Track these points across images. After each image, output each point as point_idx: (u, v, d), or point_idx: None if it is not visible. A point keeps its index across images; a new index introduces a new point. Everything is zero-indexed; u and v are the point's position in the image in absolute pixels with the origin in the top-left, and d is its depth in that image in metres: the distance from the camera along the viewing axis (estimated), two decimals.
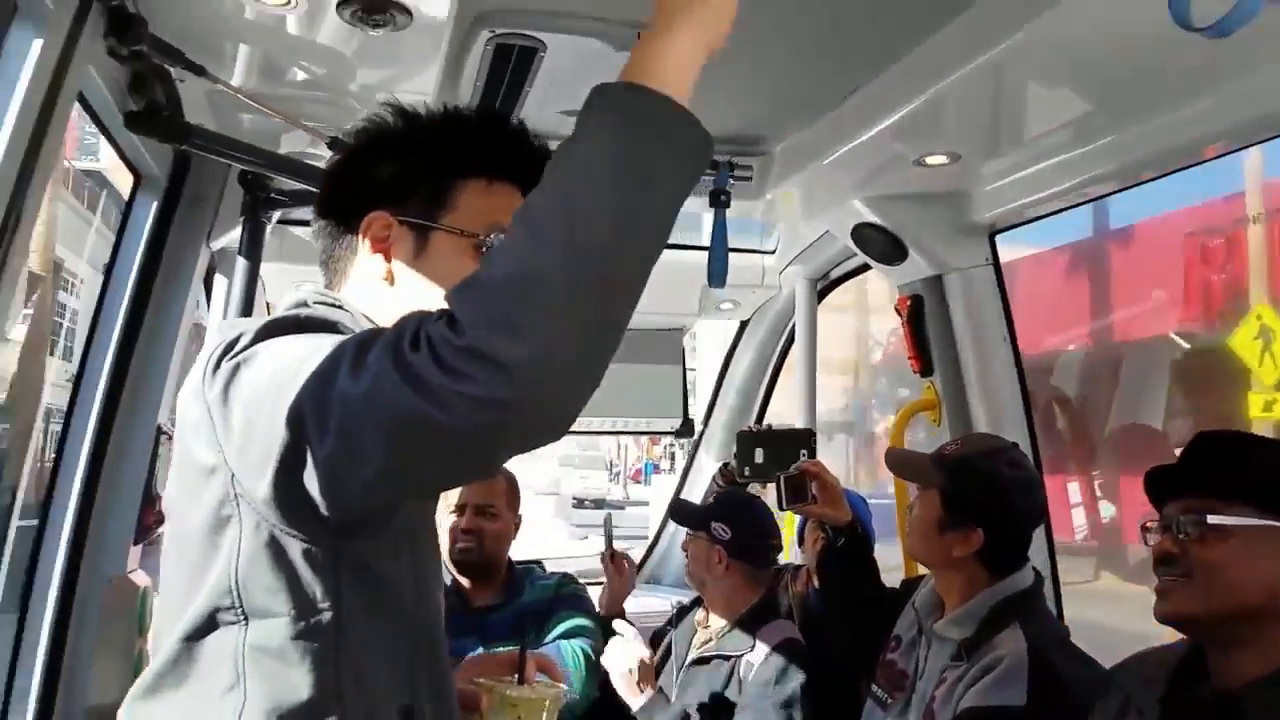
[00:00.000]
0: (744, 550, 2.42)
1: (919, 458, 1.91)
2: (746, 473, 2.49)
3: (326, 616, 0.95)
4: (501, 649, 2.12)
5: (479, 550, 2.48)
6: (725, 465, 2.82)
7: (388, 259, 1.08)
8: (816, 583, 2.21)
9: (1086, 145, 1.90)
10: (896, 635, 1.91)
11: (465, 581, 2.51)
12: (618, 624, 2.46)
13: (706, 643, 2.47)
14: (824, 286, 3.19)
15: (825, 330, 3.28)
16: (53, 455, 2.02)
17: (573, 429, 2.84)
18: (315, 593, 0.94)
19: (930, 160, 2.02)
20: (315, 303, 1.07)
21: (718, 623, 2.47)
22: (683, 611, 2.69)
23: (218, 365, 0.93)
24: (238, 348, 0.93)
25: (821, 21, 1.63)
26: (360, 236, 1.09)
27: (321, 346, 0.85)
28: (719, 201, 2.24)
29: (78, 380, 1.93)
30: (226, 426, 0.90)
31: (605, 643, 2.47)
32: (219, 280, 2.34)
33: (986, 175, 2.14)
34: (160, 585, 1.02)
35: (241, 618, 0.94)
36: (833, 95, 1.91)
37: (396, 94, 1.72)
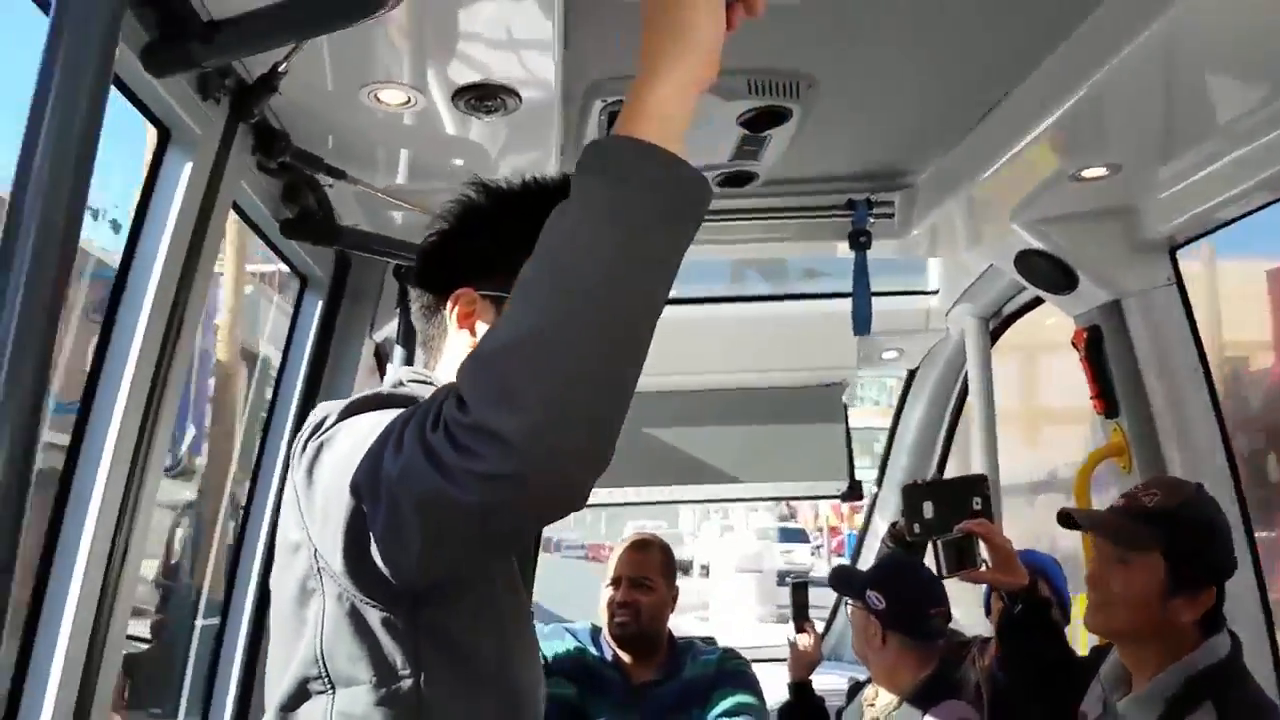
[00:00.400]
0: (900, 620, 2.23)
1: (1114, 517, 1.69)
2: (916, 530, 2.31)
3: (407, 684, 0.97)
4: None
5: (636, 623, 2.47)
6: (894, 525, 2.64)
7: (473, 333, 1.10)
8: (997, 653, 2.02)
9: (1270, 134, 1.68)
10: (1083, 712, 1.70)
11: (626, 657, 2.50)
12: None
13: None
14: (997, 325, 2.99)
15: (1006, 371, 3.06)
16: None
17: (729, 496, 2.77)
18: (395, 660, 0.96)
19: (1088, 174, 1.86)
20: (409, 380, 1.12)
21: (884, 699, 2.31)
22: (855, 689, 2.54)
23: (305, 446, 0.98)
24: (322, 429, 0.98)
25: (948, 37, 1.56)
26: (449, 313, 1.11)
27: (385, 424, 0.86)
28: (858, 243, 2.17)
29: (256, 467, 2.08)
30: (309, 504, 0.95)
31: None
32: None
33: (1158, 183, 1.93)
34: (267, 659, 1.07)
35: (328, 686, 0.97)
36: (970, 114, 1.82)
37: (526, 172, 1.79)
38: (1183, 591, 1.54)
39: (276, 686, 1.01)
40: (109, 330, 1.28)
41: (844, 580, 2.50)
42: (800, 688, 2.60)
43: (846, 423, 3.40)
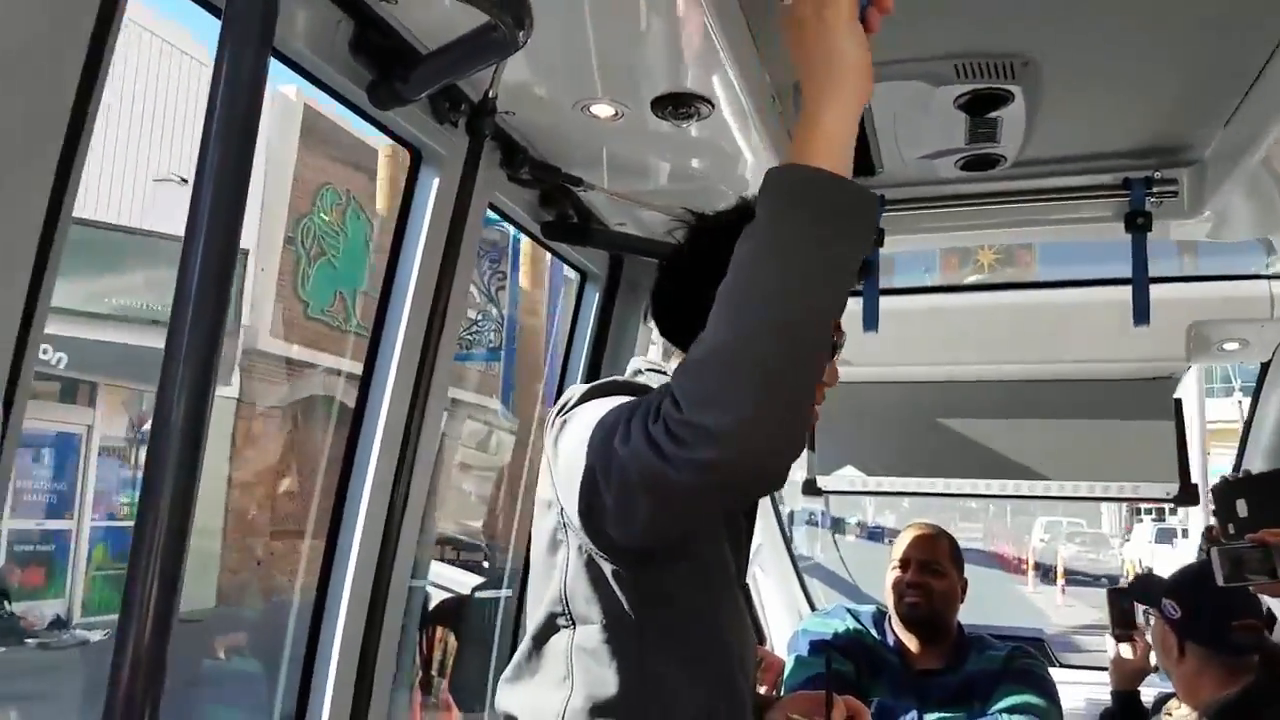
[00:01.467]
0: (1197, 631, 2.04)
1: None
2: (1231, 531, 2.07)
3: (630, 628, 1.16)
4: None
5: (927, 606, 2.47)
6: (1209, 528, 2.35)
7: None
8: None
9: None
10: None
11: (909, 642, 2.50)
12: None
13: None
14: None
15: None
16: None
17: (1034, 494, 2.69)
18: (621, 606, 1.16)
19: None
20: (645, 369, 1.36)
21: (1182, 713, 2.10)
22: (1163, 700, 2.31)
23: (554, 421, 1.21)
24: (569, 406, 1.20)
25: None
26: None
27: (619, 409, 1.05)
28: (1135, 225, 1.98)
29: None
30: (556, 469, 1.17)
31: None
32: None
33: None
34: (530, 589, 1.30)
35: (570, 623, 1.19)
36: (1241, 79, 1.59)
37: (745, 171, 1.90)
38: None
39: (531, 618, 1.25)
40: (379, 333, 1.61)
41: (1144, 589, 2.30)
42: (1124, 698, 2.43)
43: (1180, 419, 3.03)
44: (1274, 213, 2.01)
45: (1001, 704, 2.27)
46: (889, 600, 2.53)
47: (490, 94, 1.51)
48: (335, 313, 11.34)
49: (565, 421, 1.16)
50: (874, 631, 2.54)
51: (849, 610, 2.63)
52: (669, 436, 0.90)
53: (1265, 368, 2.99)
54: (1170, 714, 2.17)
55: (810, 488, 3.28)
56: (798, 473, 3.45)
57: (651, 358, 1.37)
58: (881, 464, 3.18)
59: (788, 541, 3.87)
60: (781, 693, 2.43)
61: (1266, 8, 1.43)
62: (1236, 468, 3.22)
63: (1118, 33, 1.50)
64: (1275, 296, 2.65)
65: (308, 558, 9.27)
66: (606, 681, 1.15)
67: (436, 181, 1.61)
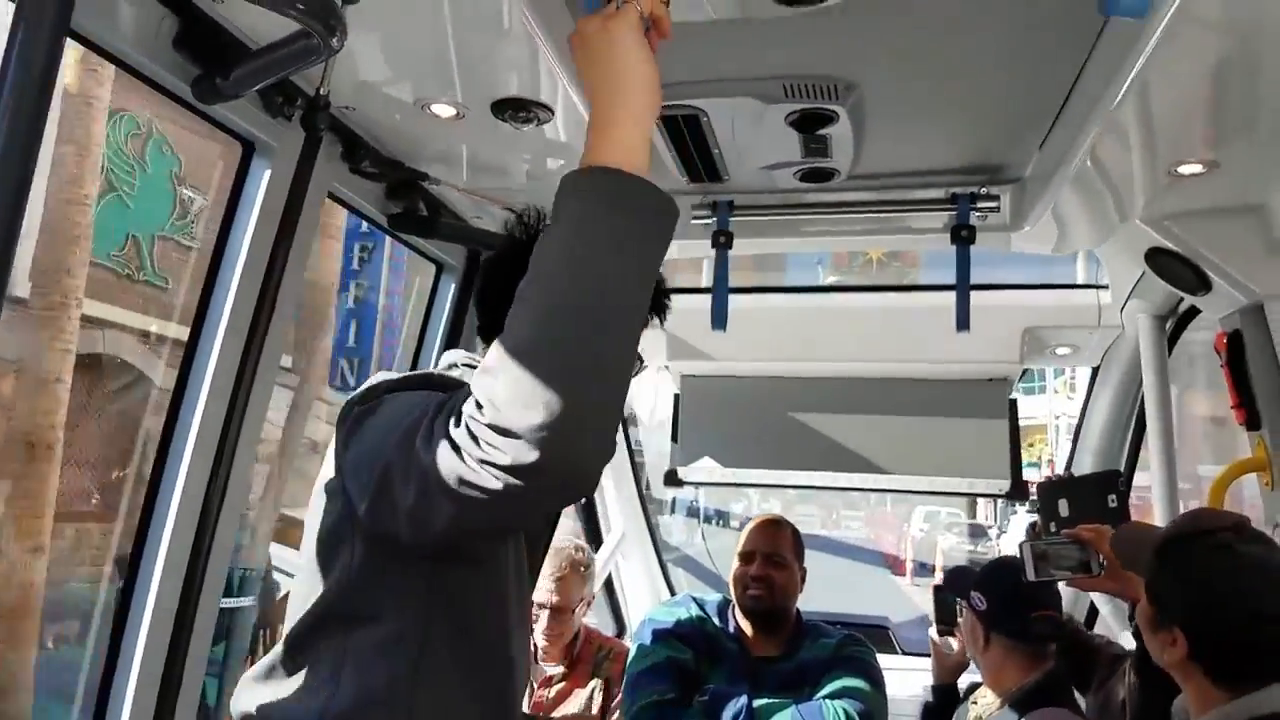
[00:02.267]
0: (1001, 621, 2.18)
1: (1144, 538, 1.59)
2: (1052, 529, 2.24)
3: (412, 634, 1.12)
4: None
5: (770, 598, 2.56)
6: (1033, 524, 2.52)
7: None
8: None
9: None
10: None
11: (749, 629, 2.59)
12: None
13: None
14: (1175, 323, 2.72)
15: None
16: None
17: (881, 487, 2.79)
18: (406, 607, 1.12)
19: (1184, 170, 1.69)
20: (461, 363, 1.30)
21: (988, 699, 2.26)
22: (972, 689, 2.46)
23: (350, 409, 1.15)
24: (371, 395, 1.15)
25: (996, 32, 1.49)
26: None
27: (424, 406, 1.02)
28: (960, 238, 2.09)
29: None
30: (348, 461, 1.12)
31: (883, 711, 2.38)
32: None
33: None
34: (293, 585, 1.25)
35: (346, 621, 1.13)
36: (1047, 107, 1.71)
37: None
38: (1161, 629, 1.49)
39: (296, 614, 1.17)
40: (200, 321, 1.58)
41: (956, 582, 2.44)
42: (943, 690, 2.58)
43: (1014, 420, 3.22)
44: (1095, 229, 2.16)
45: (827, 689, 2.39)
46: (733, 592, 2.63)
47: (321, 91, 1.50)
48: (125, 258, 9.82)
49: (364, 413, 1.11)
50: (716, 619, 2.63)
51: (695, 599, 2.72)
52: (472, 439, 0.88)
53: (1095, 372, 3.22)
54: (976, 702, 2.32)
55: (671, 478, 3.35)
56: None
57: (470, 352, 1.35)
58: (739, 456, 3.28)
59: (652, 531, 3.95)
60: (623, 681, 2.51)
61: (1062, 41, 1.54)
62: (1067, 468, 3.46)
63: (932, 61, 1.59)
64: (1103, 306, 2.85)
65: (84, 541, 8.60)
66: (376, 686, 1.10)
67: (268, 173, 1.59)
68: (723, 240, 2.17)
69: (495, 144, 1.80)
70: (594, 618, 3.57)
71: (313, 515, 1.19)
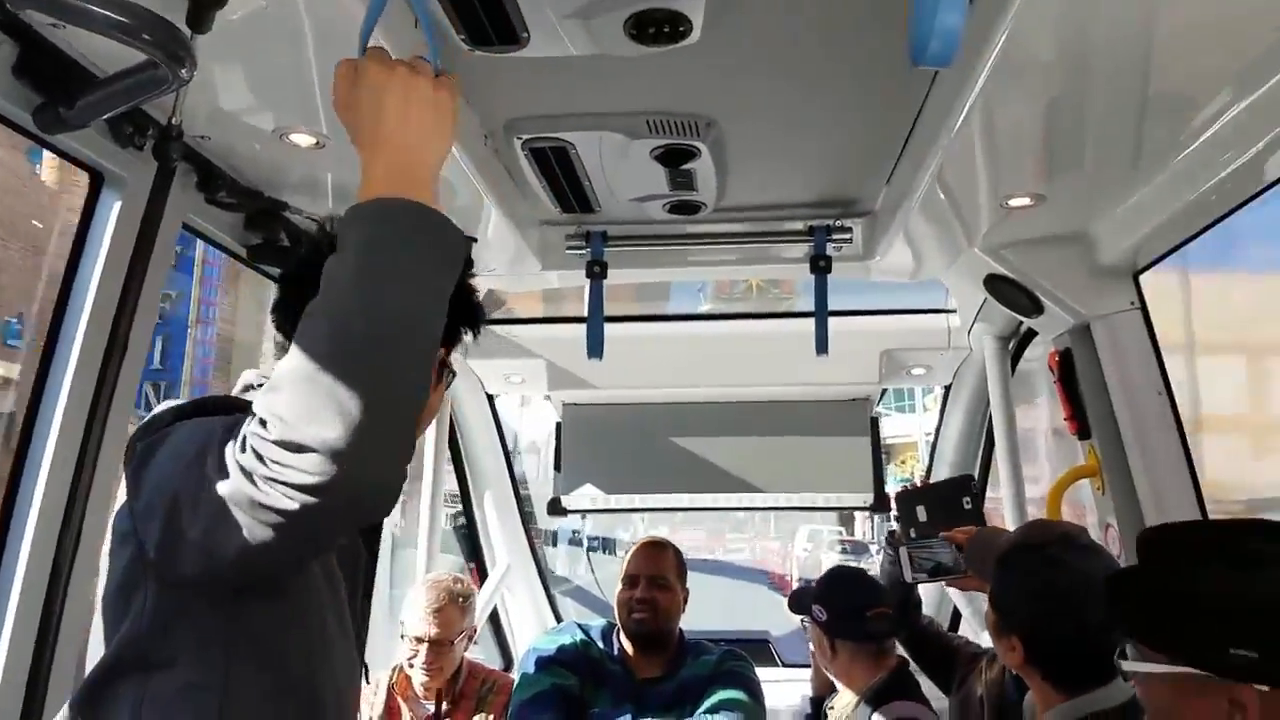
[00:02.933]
0: (840, 628, 2.33)
1: (990, 546, 1.72)
2: (911, 535, 2.37)
3: (215, 676, 1.04)
4: None
5: (654, 621, 2.60)
6: (891, 532, 2.66)
7: None
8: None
9: (1191, 145, 1.61)
10: None
11: (632, 652, 2.62)
12: None
13: None
14: (1017, 344, 2.91)
15: None
16: None
17: (757, 505, 2.87)
18: (206, 653, 1.05)
19: (1015, 203, 1.84)
20: (256, 384, 1.23)
21: (844, 700, 2.38)
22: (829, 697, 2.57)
23: (135, 445, 1.08)
24: (155, 426, 1.09)
25: (839, 79, 1.59)
26: None
27: (210, 431, 0.98)
28: (818, 268, 2.20)
29: None
30: (137, 499, 1.05)
31: None
32: None
33: (1108, 209, 1.89)
34: (91, 635, 1.16)
35: (143, 670, 1.05)
36: (891, 146, 1.83)
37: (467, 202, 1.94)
38: (1002, 634, 1.62)
39: (92, 665, 1.09)
40: (48, 362, 1.50)
41: (797, 601, 2.55)
42: (817, 702, 2.67)
43: (876, 436, 3.39)
44: (940, 258, 2.31)
45: (707, 704, 2.44)
46: (619, 615, 2.65)
47: (174, 120, 1.47)
48: None
49: (151, 445, 1.05)
50: (600, 643, 2.65)
51: (580, 625, 2.73)
52: (257, 459, 0.87)
53: (948, 390, 3.42)
54: (834, 706, 2.42)
55: (555, 507, 3.37)
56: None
57: (266, 371, 1.25)
58: (622, 482, 3.32)
59: (538, 561, 3.94)
60: (510, 710, 2.49)
61: (902, 85, 1.65)
62: (925, 479, 3.65)
63: (786, 100, 1.68)
64: (952, 328, 3.03)
65: None
66: None
67: (118, 205, 1.54)
68: (597, 270, 2.22)
69: (358, 172, 1.79)
70: (480, 653, 3.53)
71: (110, 558, 1.12)
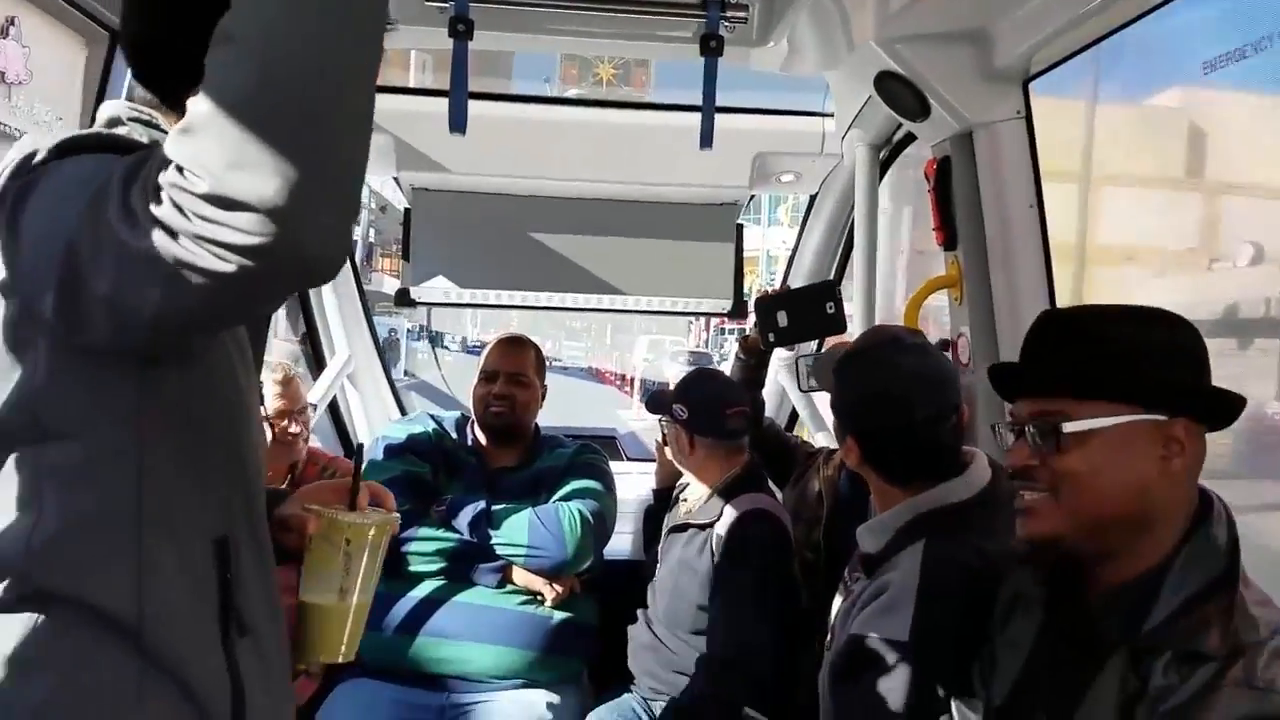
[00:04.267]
0: (700, 425, 2.38)
1: (833, 357, 1.76)
2: (771, 339, 2.39)
3: (127, 445, 0.94)
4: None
5: (512, 415, 2.60)
6: (745, 336, 2.69)
7: None
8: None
9: None
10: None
11: (485, 442, 2.62)
12: None
13: (686, 513, 2.45)
14: (888, 154, 2.89)
15: None
16: None
17: (614, 307, 2.77)
18: (116, 416, 0.93)
19: None
20: (129, 119, 1.06)
21: (695, 493, 2.47)
22: (679, 490, 2.66)
23: (9, 183, 0.91)
24: (26, 167, 0.91)
25: None
26: None
27: (102, 171, 0.82)
28: (709, 48, 2.04)
29: None
30: (16, 249, 0.89)
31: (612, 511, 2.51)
32: None
33: (1005, 4, 1.82)
34: None
35: (38, 438, 0.93)
36: None
37: None
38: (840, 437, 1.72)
39: None
40: None
41: (655, 401, 2.58)
42: (662, 494, 2.74)
43: (739, 243, 3.36)
44: (832, 50, 2.20)
45: (562, 491, 2.49)
46: (475, 410, 2.61)
47: None
48: None
49: (25, 186, 0.89)
50: (454, 434, 2.63)
51: (432, 416, 2.69)
52: (180, 214, 0.74)
53: (813, 200, 3.40)
54: (687, 499, 2.51)
55: (403, 298, 3.20)
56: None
57: (138, 105, 1.07)
58: (472, 276, 3.18)
59: (381, 354, 3.80)
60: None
61: None
62: (783, 285, 3.69)
63: None
64: (827, 133, 2.97)
65: None
66: (88, 503, 0.93)
67: None
68: (461, 29, 1.98)
69: None
70: (317, 441, 3.42)
71: None
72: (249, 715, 1.03)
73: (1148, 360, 1.09)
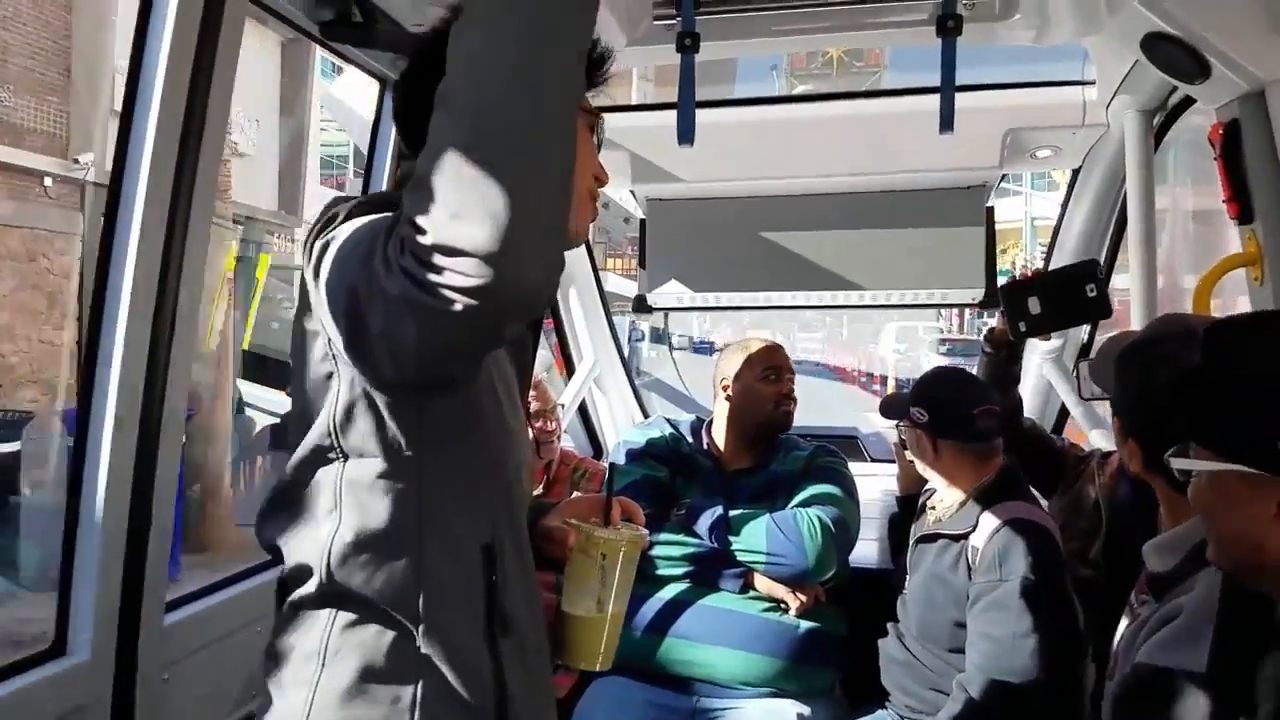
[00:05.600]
0: (945, 427, 2.23)
1: (1115, 350, 1.57)
2: (1023, 329, 2.16)
3: (410, 461, 1.08)
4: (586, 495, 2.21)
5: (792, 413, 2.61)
6: (990, 330, 2.46)
7: None
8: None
9: None
10: None
11: (722, 445, 2.62)
12: None
13: (935, 522, 2.31)
14: (1163, 120, 2.59)
15: None
16: None
17: (856, 303, 2.73)
18: (401, 440, 1.07)
19: None
20: None
21: (947, 501, 2.31)
22: (927, 497, 2.51)
23: (314, 240, 1.07)
24: (331, 225, 1.06)
25: None
26: None
27: (376, 225, 0.94)
28: (946, 29, 1.93)
29: None
30: (319, 297, 1.04)
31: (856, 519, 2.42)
32: None
33: None
34: (289, 428, 1.20)
35: (340, 456, 1.09)
36: None
37: None
38: None
39: (296, 450, 1.14)
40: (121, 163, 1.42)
41: (891, 406, 2.45)
42: (906, 501, 2.63)
43: (991, 226, 3.13)
44: (1091, 14, 1.99)
45: (800, 497, 2.43)
46: (763, 410, 2.57)
47: None
48: None
49: (327, 244, 1.04)
50: (690, 438, 2.65)
51: (668, 420, 2.73)
52: (418, 263, 0.84)
53: (1075, 174, 3.11)
54: (934, 507, 2.36)
55: (640, 304, 3.28)
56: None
57: None
58: (709, 279, 3.19)
59: (624, 360, 3.91)
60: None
61: None
62: (1037, 269, 3.41)
63: None
64: (1088, 103, 2.70)
65: None
66: (378, 515, 1.08)
67: None
68: (688, 43, 1.99)
69: None
70: (569, 442, 3.60)
71: (304, 350, 1.13)
72: (510, 707, 1.13)
73: (1262, 408, 0.97)
